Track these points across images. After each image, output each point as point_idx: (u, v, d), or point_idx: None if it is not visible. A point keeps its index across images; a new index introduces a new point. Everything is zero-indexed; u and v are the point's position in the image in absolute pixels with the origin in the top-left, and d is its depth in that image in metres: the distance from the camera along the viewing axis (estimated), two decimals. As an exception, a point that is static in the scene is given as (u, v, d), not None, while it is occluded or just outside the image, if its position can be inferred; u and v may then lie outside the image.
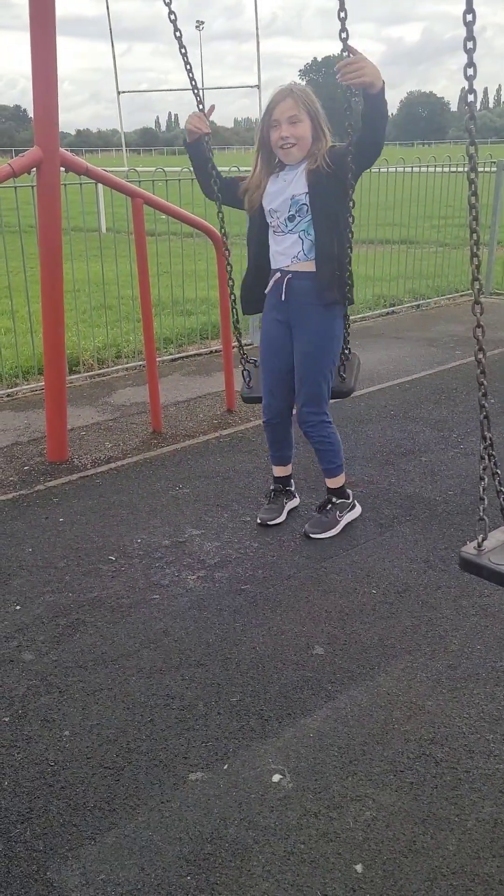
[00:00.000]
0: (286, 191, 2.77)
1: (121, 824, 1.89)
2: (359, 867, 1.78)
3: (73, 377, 5.27)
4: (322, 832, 1.87)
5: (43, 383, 4.36)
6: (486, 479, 2.03)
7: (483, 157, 8.14)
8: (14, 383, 5.19)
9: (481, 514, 2.01)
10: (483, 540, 2.00)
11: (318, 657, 2.47)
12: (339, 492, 3.18)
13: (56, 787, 2.00)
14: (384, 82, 2.46)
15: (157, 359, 4.95)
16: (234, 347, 3.38)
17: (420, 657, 2.46)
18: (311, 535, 3.10)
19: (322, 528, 3.13)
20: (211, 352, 6.06)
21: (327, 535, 3.11)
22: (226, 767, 2.05)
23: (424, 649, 2.50)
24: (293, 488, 3.43)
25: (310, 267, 2.83)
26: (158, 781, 2.01)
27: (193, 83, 2.88)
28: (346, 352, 3.14)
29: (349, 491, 3.26)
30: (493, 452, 2.06)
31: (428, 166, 8.12)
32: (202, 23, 41.65)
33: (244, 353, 3.21)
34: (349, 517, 3.19)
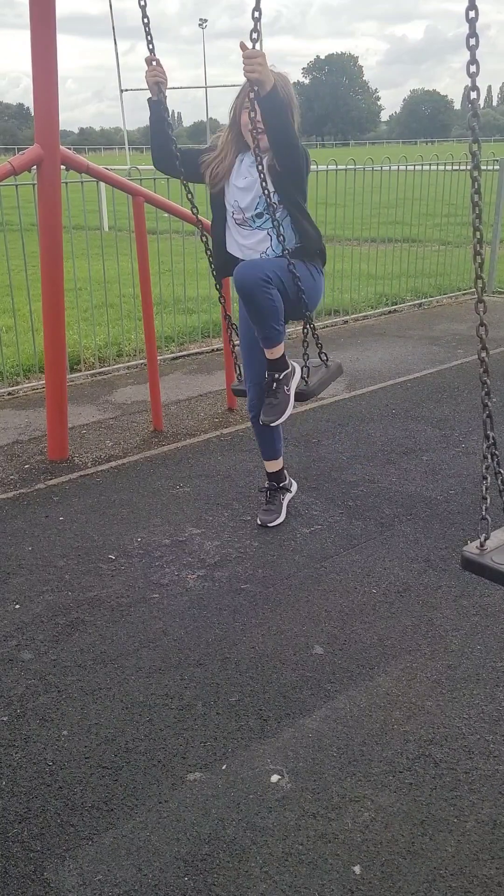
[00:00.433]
0: (254, 187, 2.77)
1: (118, 824, 1.89)
2: (357, 868, 1.77)
3: (74, 375, 5.26)
4: (320, 833, 1.86)
5: (44, 382, 4.36)
6: (489, 479, 2.03)
7: (486, 154, 8.13)
8: (15, 381, 5.18)
9: (484, 513, 2.00)
10: (485, 539, 1.99)
11: (317, 657, 2.46)
12: (280, 362, 2.89)
13: (54, 787, 1.99)
14: (274, 85, 2.53)
15: (158, 357, 4.94)
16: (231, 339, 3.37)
17: (420, 657, 2.45)
18: (272, 424, 2.91)
19: (276, 412, 2.86)
20: (212, 350, 6.05)
21: (283, 418, 2.87)
22: (224, 768, 2.04)
23: (424, 649, 2.49)
24: (287, 481, 3.38)
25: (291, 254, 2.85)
26: (156, 781, 2.01)
27: (149, 33, 2.75)
28: (323, 358, 3.08)
29: (289, 360, 2.97)
30: (496, 451, 2.04)
31: (430, 164, 8.10)
32: (205, 21, 41.62)
33: (235, 347, 3.21)
34: (294, 385, 2.94)
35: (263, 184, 2.68)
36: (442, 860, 1.79)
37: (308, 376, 2.97)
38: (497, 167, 7.92)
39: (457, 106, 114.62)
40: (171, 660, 2.45)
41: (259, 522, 3.26)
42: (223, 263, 3.01)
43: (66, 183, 4.54)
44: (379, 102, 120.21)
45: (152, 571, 2.96)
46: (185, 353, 6.03)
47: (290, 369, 2.94)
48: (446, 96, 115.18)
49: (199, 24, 42.37)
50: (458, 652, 2.48)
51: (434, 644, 2.52)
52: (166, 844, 1.83)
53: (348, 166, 7.20)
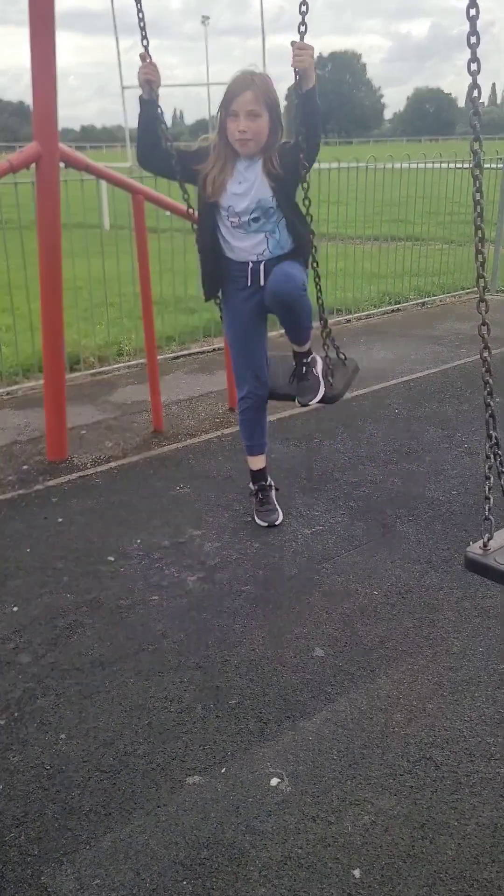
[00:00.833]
0: (250, 192, 2.78)
1: (116, 828, 1.87)
2: (357, 872, 1.76)
3: (73, 375, 5.25)
4: (320, 837, 1.84)
5: (42, 381, 4.33)
6: (492, 479, 2.01)
7: (490, 153, 8.09)
8: (14, 381, 5.17)
9: (487, 513, 1.99)
10: (489, 539, 1.98)
11: (317, 659, 2.45)
12: (308, 353, 3.12)
13: (51, 791, 1.98)
14: (316, 80, 2.64)
15: (159, 357, 4.93)
16: None
17: (421, 660, 2.44)
18: (310, 403, 3.07)
19: (312, 391, 3.06)
20: (213, 349, 6.03)
21: (320, 396, 3.05)
22: (223, 771, 2.03)
23: (426, 651, 2.47)
24: (269, 479, 3.37)
25: (283, 256, 2.91)
26: (155, 785, 1.99)
27: (143, 30, 2.79)
28: (342, 356, 3.15)
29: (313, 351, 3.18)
30: (499, 451, 2.03)
31: (434, 162, 8.07)
32: (207, 18, 41.53)
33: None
34: (320, 364, 3.14)
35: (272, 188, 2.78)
36: (442, 864, 1.77)
37: (332, 377, 3.08)
38: (501, 166, 7.88)
39: (461, 104, 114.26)
40: (171, 662, 2.44)
41: (265, 524, 3.24)
42: (216, 275, 3.00)
43: (66, 181, 4.52)
44: (383, 100, 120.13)
45: (152, 573, 2.95)
46: (185, 352, 6.01)
47: (314, 355, 3.13)
48: (450, 94, 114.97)
49: (202, 21, 42.30)
50: (460, 654, 2.46)
51: (435, 646, 2.50)
52: (165, 848, 1.82)
53: (351, 164, 7.17)
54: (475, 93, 1.84)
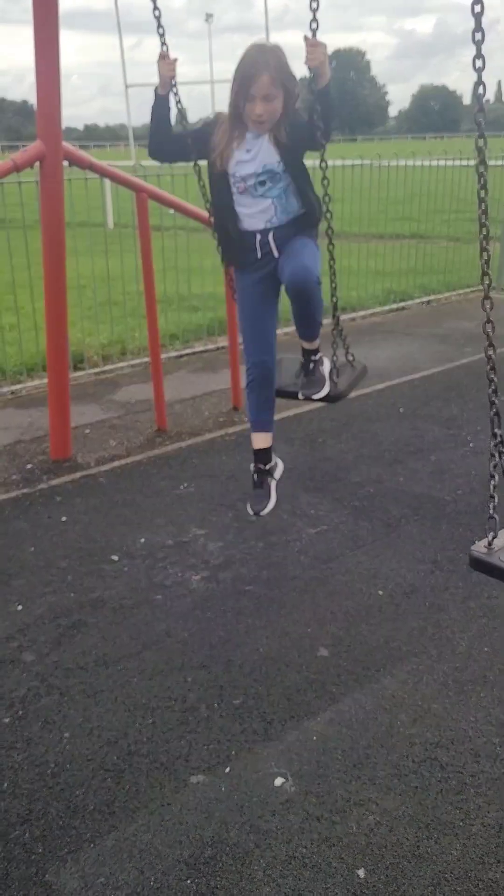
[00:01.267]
0: (256, 158, 2.78)
1: (120, 827, 1.87)
2: (361, 872, 1.75)
3: (77, 374, 5.24)
4: (324, 836, 1.84)
5: (46, 381, 4.34)
6: (497, 477, 2.00)
7: (495, 150, 8.06)
8: (18, 380, 5.17)
9: (491, 512, 1.98)
10: (494, 538, 1.97)
11: (322, 659, 2.44)
12: (316, 351, 3.10)
13: (56, 790, 1.98)
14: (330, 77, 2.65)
15: (163, 355, 4.92)
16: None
17: (426, 659, 2.43)
18: (314, 397, 3.02)
19: (317, 385, 3.04)
20: (217, 348, 6.02)
21: (324, 392, 3.00)
22: (227, 770, 2.03)
23: (431, 651, 2.47)
24: (273, 462, 3.11)
25: (291, 221, 2.87)
26: (159, 784, 1.99)
27: (161, 32, 2.82)
28: (350, 357, 3.11)
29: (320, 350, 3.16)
30: None
31: (439, 160, 8.04)
32: (211, 16, 41.53)
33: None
34: (327, 364, 3.11)
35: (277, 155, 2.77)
36: (447, 864, 1.77)
37: (337, 377, 3.03)
38: (505, 163, 7.85)
39: (466, 101, 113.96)
40: (175, 662, 2.44)
41: (251, 512, 2.98)
42: (229, 247, 2.98)
43: (70, 180, 4.52)
44: (387, 97, 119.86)
45: (155, 573, 2.94)
46: (189, 350, 6.01)
47: (322, 354, 3.12)
48: (455, 91, 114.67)
49: (206, 19, 42.28)
50: (465, 654, 2.45)
51: (441, 646, 2.49)
52: (169, 847, 1.82)
53: (356, 162, 7.16)
54: (480, 89, 1.83)
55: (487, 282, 1.95)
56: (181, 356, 5.90)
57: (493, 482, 2.00)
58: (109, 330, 5.77)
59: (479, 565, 1.97)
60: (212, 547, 3.12)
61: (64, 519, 3.37)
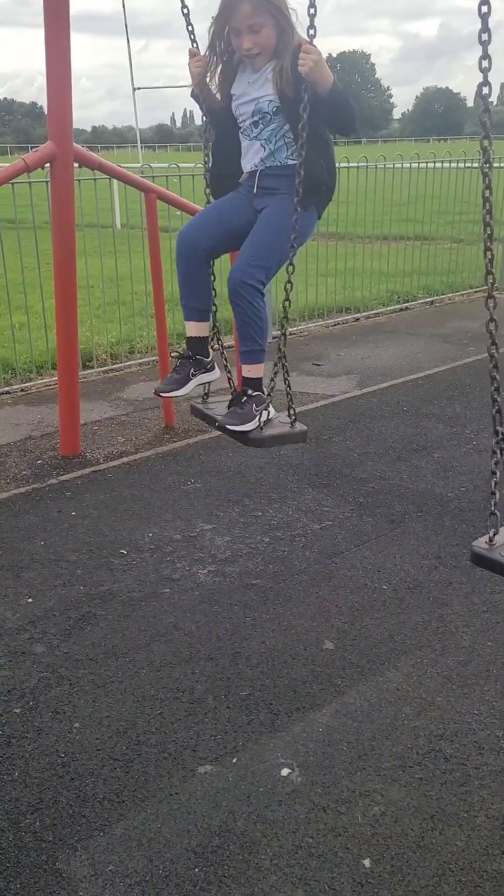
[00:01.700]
0: (250, 93, 2.52)
1: (129, 816, 1.90)
2: (367, 862, 1.78)
3: (86, 372, 5.28)
4: (330, 827, 1.87)
5: (56, 378, 4.37)
6: (499, 474, 2.02)
7: (500, 152, 8.08)
8: (28, 378, 5.21)
9: (493, 508, 2.00)
10: (495, 534, 1.99)
11: (327, 652, 2.47)
12: (256, 383, 2.65)
13: (66, 779, 2.01)
14: (334, 82, 2.36)
15: (171, 354, 4.95)
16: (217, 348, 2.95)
17: (430, 653, 2.46)
18: (228, 427, 2.56)
19: (239, 419, 2.56)
20: (225, 347, 6.05)
21: (245, 428, 2.54)
22: (235, 761, 2.06)
23: (435, 645, 2.49)
24: (210, 359, 2.83)
25: (281, 171, 2.53)
26: (167, 774, 2.02)
27: (191, 29, 2.64)
28: (292, 415, 2.63)
29: (265, 388, 2.67)
30: None
31: (443, 162, 8.07)
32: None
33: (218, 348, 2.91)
34: (265, 415, 2.61)
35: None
36: (452, 855, 1.79)
37: (265, 424, 2.58)
38: (510, 164, 7.87)
39: (470, 103, 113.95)
40: (182, 654, 2.47)
41: (154, 391, 2.78)
42: (223, 179, 2.69)
43: (79, 180, 4.55)
44: (392, 100, 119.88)
45: (163, 566, 2.98)
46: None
47: (266, 397, 2.63)
48: (459, 94, 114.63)
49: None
50: (469, 648, 2.48)
51: (445, 640, 2.52)
52: (177, 836, 1.85)
53: (361, 164, 7.18)
54: (485, 90, 1.85)
55: (491, 280, 1.97)
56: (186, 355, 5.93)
57: (494, 479, 2.03)
58: (118, 329, 5.81)
59: (481, 561, 1.99)
60: (219, 541, 3.15)
61: (73, 513, 3.40)
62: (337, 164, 2.70)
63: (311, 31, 2.34)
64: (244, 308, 2.53)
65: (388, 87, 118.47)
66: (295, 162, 2.44)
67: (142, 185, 4.26)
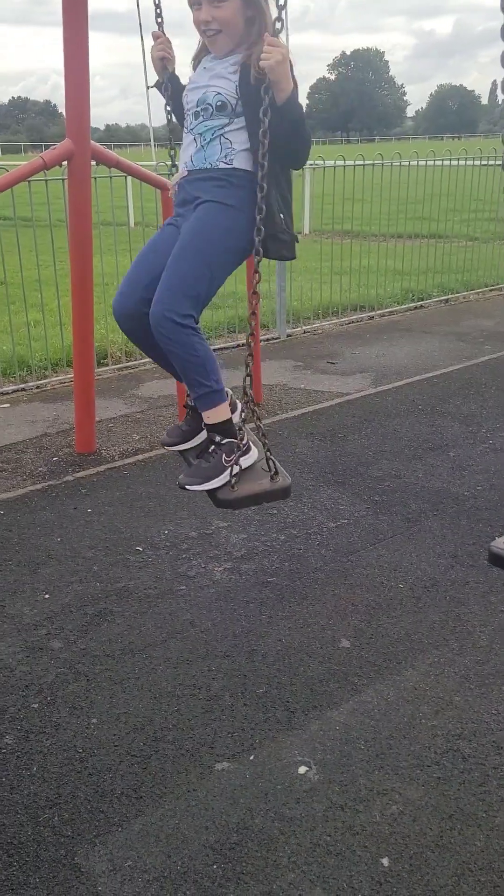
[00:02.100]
0: (201, 80, 2.14)
1: (147, 812, 1.90)
2: (385, 861, 1.77)
3: (101, 370, 5.29)
4: (348, 825, 1.86)
5: (72, 376, 4.39)
6: None
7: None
8: (43, 375, 5.23)
9: None
10: None
11: (344, 650, 2.46)
12: (222, 428, 2.21)
13: (84, 774, 2.02)
14: (293, 95, 2.00)
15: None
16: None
17: (447, 652, 2.45)
18: (187, 487, 2.17)
19: (201, 476, 2.15)
20: (238, 345, 6.05)
21: (209, 486, 2.15)
22: (252, 758, 2.05)
23: (452, 645, 2.48)
24: (237, 439, 2.31)
25: (205, 172, 2.14)
26: (185, 770, 2.02)
27: (158, 6, 2.33)
28: (271, 465, 2.22)
29: (237, 426, 2.25)
30: None
31: (458, 159, 8.03)
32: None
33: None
34: (244, 462, 2.20)
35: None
36: (471, 854, 1.78)
37: (235, 482, 2.16)
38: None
39: (484, 101, 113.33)
40: (199, 651, 2.47)
41: (162, 441, 2.48)
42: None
43: (95, 178, 4.56)
44: (405, 98, 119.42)
45: (179, 563, 2.98)
46: (210, 347, 6.03)
47: (241, 441, 2.21)
48: (473, 91, 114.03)
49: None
50: (487, 648, 2.46)
51: (462, 640, 2.50)
52: (195, 832, 1.85)
53: (376, 161, 7.16)
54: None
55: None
56: (201, 353, 5.93)
57: None
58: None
59: (499, 561, 1.98)
60: (234, 539, 3.15)
61: (89, 510, 3.41)
62: (352, 163, 2.41)
63: (279, 25, 1.98)
64: (175, 351, 2.08)
65: (401, 85, 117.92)
66: (228, 166, 2.10)
67: (159, 183, 4.26)
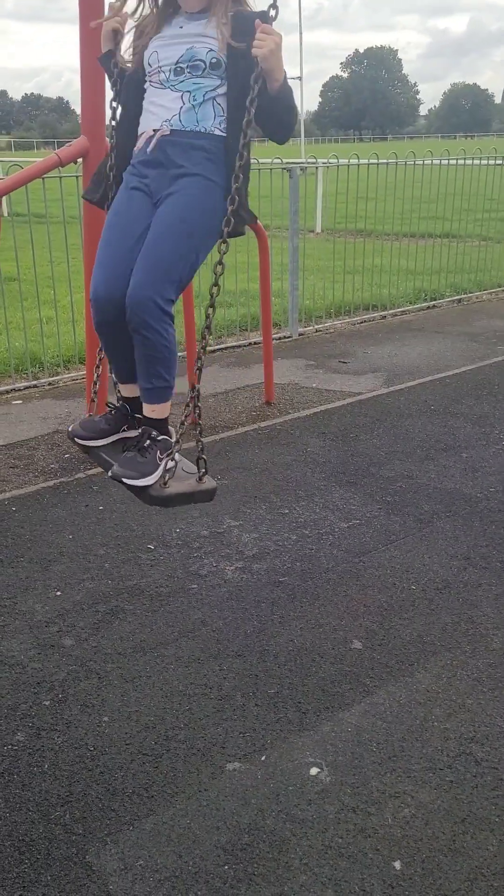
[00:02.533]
0: (182, 38, 2.02)
1: (159, 811, 1.90)
2: (397, 864, 1.76)
3: (112, 367, 5.29)
4: (360, 827, 1.85)
5: (84, 373, 4.39)
6: None
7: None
8: (56, 372, 5.24)
9: None
10: None
11: (356, 651, 2.45)
12: (162, 424, 2.22)
13: (95, 772, 2.02)
14: (285, 81, 1.98)
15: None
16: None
17: (460, 655, 2.43)
18: (124, 480, 2.10)
19: (138, 470, 2.10)
20: (250, 343, 6.05)
21: (144, 482, 2.10)
22: (263, 759, 2.05)
23: (465, 647, 2.47)
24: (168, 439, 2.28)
25: (195, 137, 2.03)
26: (196, 770, 2.02)
27: None
28: (202, 468, 2.21)
29: (172, 429, 2.27)
30: None
31: (472, 159, 7.99)
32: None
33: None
34: (170, 464, 2.15)
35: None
36: (484, 859, 1.77)
37: (168, 479, 2.14)
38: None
39: (498, 100, 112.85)
40: (210, 650, 2.46)
41: (68, 431, 2.40)
42: (115, 168, 2.19)
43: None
44: (418, 96, 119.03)
45: (191, 562, 2.97)
46: (222, 346, 6.03)
47: (173, 440, 2.21)
48: (487, 90, 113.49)
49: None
50: (500, 651, 2.45)
51: (475, 642, 2.49)
52: (206, 833, 1.84)
53: (389, 160, 7.13)
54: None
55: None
56: (214, 351, 5.93)
57: None
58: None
59: None
60: (246, 538, 3.15)
61: (101, 508, 3.41)
62: (366, 162, 2.45)
63: (273, 13, 1.90)
64: (151, 338, 2.01)
65: (414, 83, 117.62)
66: (223, 135, 1.99)
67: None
